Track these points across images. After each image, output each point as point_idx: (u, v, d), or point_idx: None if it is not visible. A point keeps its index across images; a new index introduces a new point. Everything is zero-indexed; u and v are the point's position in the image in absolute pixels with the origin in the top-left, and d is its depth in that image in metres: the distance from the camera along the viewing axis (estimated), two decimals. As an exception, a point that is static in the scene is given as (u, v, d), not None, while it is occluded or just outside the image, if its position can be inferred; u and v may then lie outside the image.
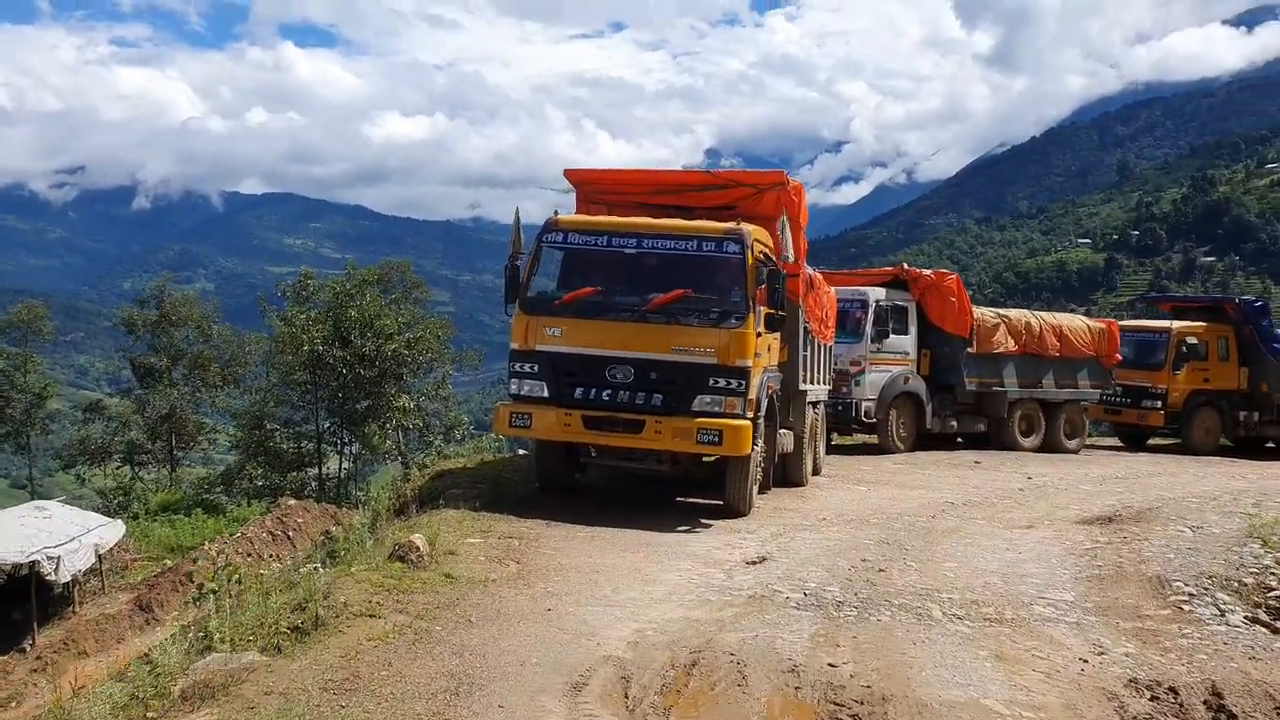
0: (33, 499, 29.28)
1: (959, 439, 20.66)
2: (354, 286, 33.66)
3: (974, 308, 19.93)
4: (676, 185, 12.90)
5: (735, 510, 10.83)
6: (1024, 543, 9.98)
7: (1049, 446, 20.59)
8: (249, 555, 18.97)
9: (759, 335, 10.48)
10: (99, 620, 17.90)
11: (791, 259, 11.69)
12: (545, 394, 10.48)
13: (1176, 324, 23.02)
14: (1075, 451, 20.94)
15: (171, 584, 18.48)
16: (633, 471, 11.79)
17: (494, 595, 7.08)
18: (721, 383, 10.15)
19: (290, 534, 21.15)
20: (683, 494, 12.01)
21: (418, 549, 7.75)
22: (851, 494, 13.35)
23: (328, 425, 34.61)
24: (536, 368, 10.53)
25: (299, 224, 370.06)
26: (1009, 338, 20.05)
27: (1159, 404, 22.31)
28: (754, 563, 8.59)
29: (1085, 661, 6.21)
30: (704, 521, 10.39)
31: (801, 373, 13.20)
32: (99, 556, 19.70)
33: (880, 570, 8.41)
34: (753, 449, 10.54)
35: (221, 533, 23.31)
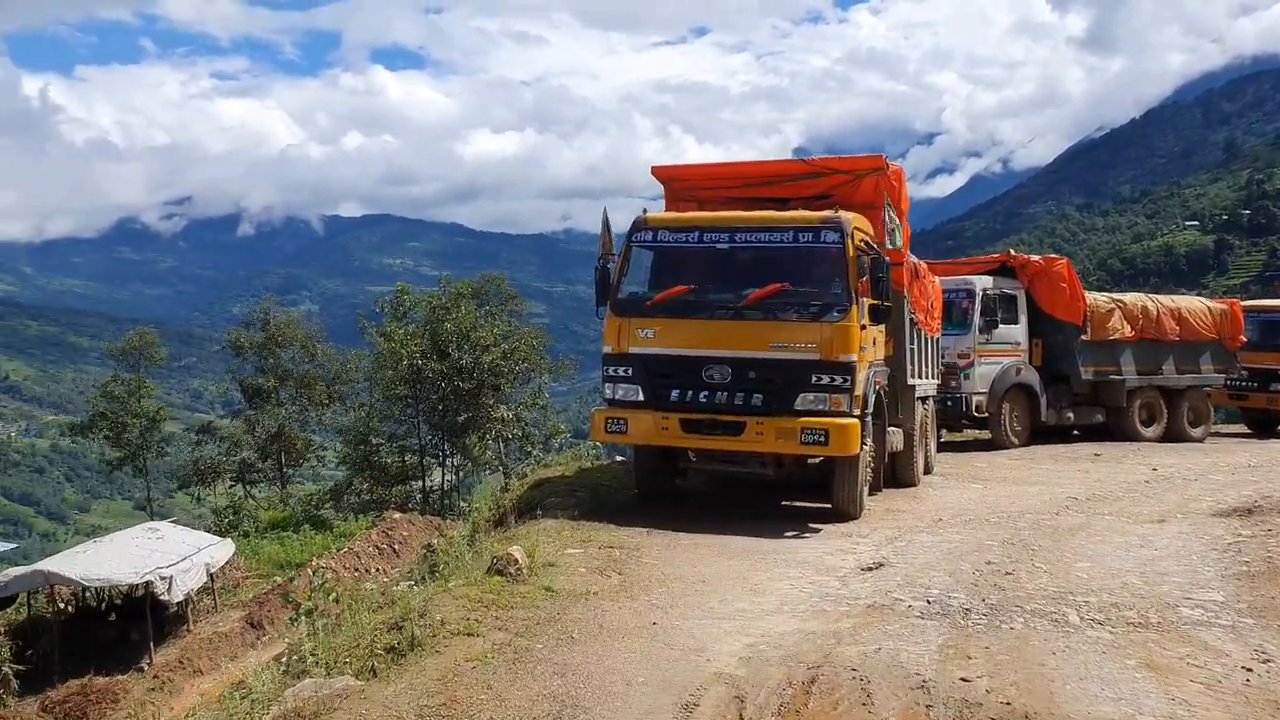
0: (152, 519, 30.16)
1: (1075, 431, 19.82)
2: (449, 300, 33.98)
3: (1086, 293, 19.04)
4: (769, 176, 12.31)
5: (845, 513, 10.32)
6: (1158, 539, 9.33)
7: (1172, 436, 19.65)
8: (356, 570, 19.13)
9: (863, 328, 9.99)
10: (212, 638, 18.18)
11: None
12: (640, 398, 10.15)
13: (1306, 301, 21.76)
14: (1200, 440, 19.95)
15: (280, 601, 18.71)
16: (735, 475, 11.39)
17: (596, 609, 6.76)
18: (825, 379, 9.67)
19: (396, 547, 21.32)
20: (788, 497, 11.55)
21: (516, 561, 7.48)
22: (967, 492, 12.73)
23: (430, 438, 34.99)
24: (630, 371, 10.19)
25: (397, 244, 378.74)
26: (1124, 323, 19.16)
27: (1290, 387, 21.11)
28: (870, 569, 8.10)
29: (1250, 670, 5.60)
30: (813, 526, 9.92)
31: (909, 367, 12.68)
32: (210, 575, 20.04)
33: (1007, 573, 7.86)
34: (861, 448, 10.05)
35: (329, 548, 23.62)
